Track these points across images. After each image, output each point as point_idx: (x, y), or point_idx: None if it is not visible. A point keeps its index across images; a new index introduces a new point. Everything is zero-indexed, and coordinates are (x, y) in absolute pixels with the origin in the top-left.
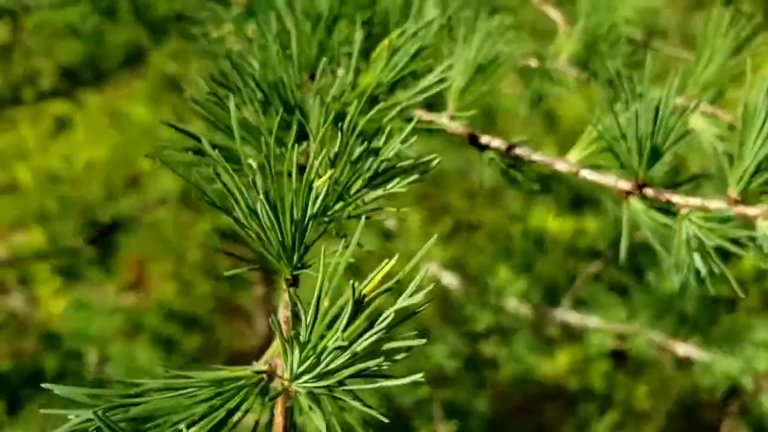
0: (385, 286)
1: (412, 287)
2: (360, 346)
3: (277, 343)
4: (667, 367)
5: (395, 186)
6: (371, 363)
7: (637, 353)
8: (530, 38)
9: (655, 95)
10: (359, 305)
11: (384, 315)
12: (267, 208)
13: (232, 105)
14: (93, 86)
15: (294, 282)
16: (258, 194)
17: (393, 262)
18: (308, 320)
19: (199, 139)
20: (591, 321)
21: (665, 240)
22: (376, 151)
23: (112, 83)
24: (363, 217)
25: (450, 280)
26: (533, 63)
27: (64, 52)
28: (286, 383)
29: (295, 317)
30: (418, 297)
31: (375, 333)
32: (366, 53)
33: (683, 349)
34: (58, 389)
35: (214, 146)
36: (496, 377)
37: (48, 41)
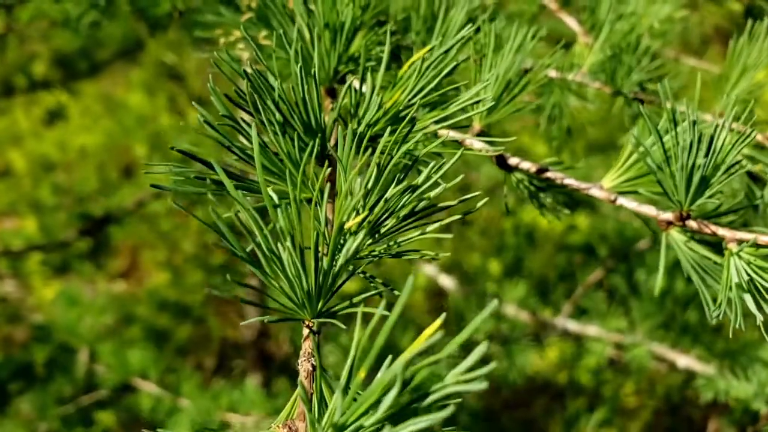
0: (431, 360)
1: (467, 365)
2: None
3: (297, 400)
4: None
5: (436, 229)
6: None
7: (637, 364)
8: (550, 48)
9: (703, 120)
10: (405, 385)
11: (432, 396)
12: (294, 256)
13: (254, 132)
14: (88, 74)
15: (318, 331)
16: (284, 239)
17: (439, 322)
18: (340, 391)
19: (211, 166)
20: (590, 330)
21: (705, 273)
22: (414, 187)
23: (108, 71)
24: (411, 276)
25: (447, 282)
26: (554, 74)
27: (59, 41)
28: None
29: (315, 369)
30: (475, 379)
31: (426, 419)
32: (387, 66)
33: (684, 361)
34: None
35: (230, 175)
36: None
37: (43, 29)
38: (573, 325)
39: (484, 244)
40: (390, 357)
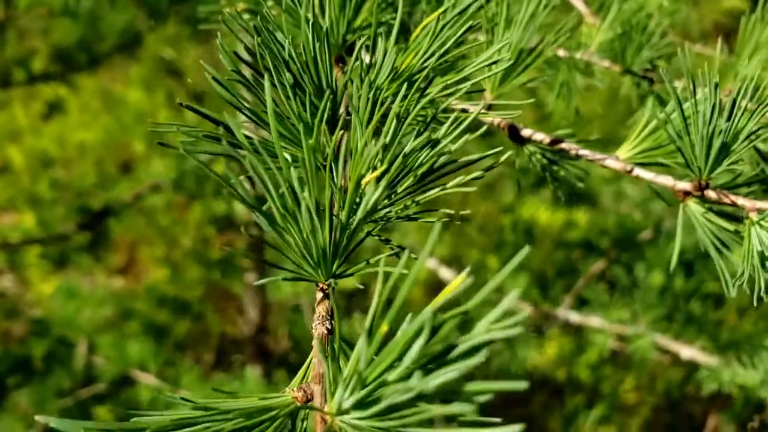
0: (459, 310)
1: (498, 312)
2: (433, 382)
3: (313, 365)
4: (663, 363)
5: (458, 184)
6: (455, 408)
7: (639, 356)
8: (560, 24)
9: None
10: (434, 333)
11: (462, 346)
12: (312, 210)
13: (267, 86)
14: (87, 68)
15: (331, 292)
16: (302, 193)
17: (464, 276)
18: (361, 346)
19: (226, 126)
20: (592, 321)
21: (723, 246)
22: (433, 143)
23: (106, 66)
24: (437, 225)
25: (448, 275)
26: (561, 53)
27: (58, 34)
28: (328, 418)
29: (330, 333)
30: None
31: (455, 368)
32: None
33: (688, 352)
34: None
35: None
36: (485, 367)
37: (43, 22)
38: (575, 317)
39: (482, 241)
40: (410, 314)
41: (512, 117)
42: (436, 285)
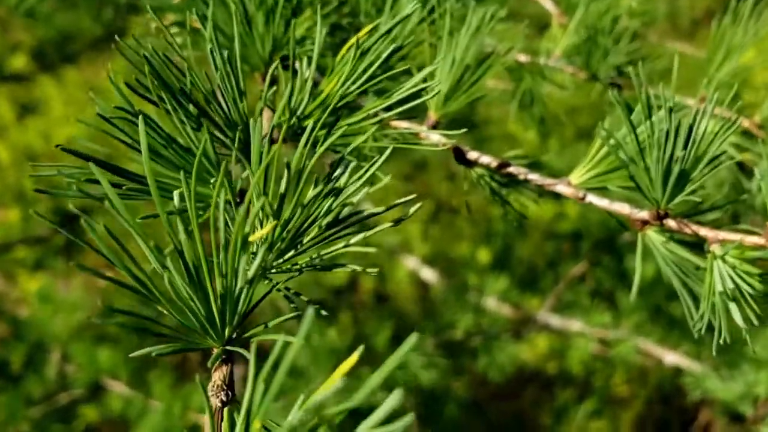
0: (342, 408)
1: (382, 413)
2: None
3: None
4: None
5: (361, 240)
6: None
7: (621, 360)
8: (519, 29)
9: (679, 106)
10: None
11: None
12: (178, 278)
13: (141, 124)
14: (71, 62)
15: (228, 359)
16: (165, 260)
17: (355, 358)
18: None
19: (102, 164)
20: (573, 325)
21: (686, 277)
22: (337, 191)
23: (90, 59)
24: (310, 309)
25: (429, 275)
26: (524, 58)
27: (42, 27)
28: None
29: (225, 404)
30: None
31: None
32: (336, 50)
33: (671, 357)
34: None
35: (130, 175)
36: (474, 363)
37: (25, 19)
38: (555, 320)
39: (472, 232)
40: (302, 397)
41: (456, 139)
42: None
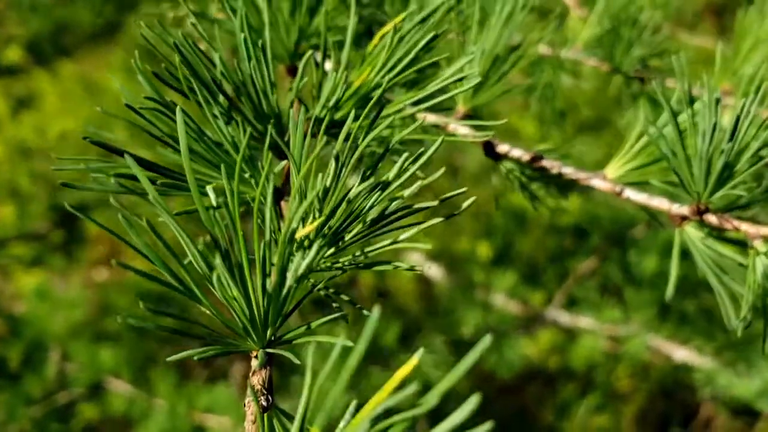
0: (405, 416)
1: (452, 423)
2: None
3: None
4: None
5: (414, 235)
6: None
7: (631, 357)
8: (534, 21)
9: (722, 100)
10: None
11: None
12: (227, 276)
13: (179, 115)
14: (66, 55)
15: (268, 362)
16: (213, 255)
17: (414, 362)
18: None
19: (135, 158)
20: (583, 321)
21: (724, 274)
22: (384, 184)
23: (86, 52)
24: (376, 307)
25: (434, 272)
26: (545, 51)
27: (37, 20)
28: None
29: (267, 409)
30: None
31: None
32: (358, 41)
33: (682, 353)
34: None
35: (161, 170)
36: (480, 359)
37: (20, 11)
38: (565, 317)
39: (473, 228)
40: (354, 403)
41: (487, 133)
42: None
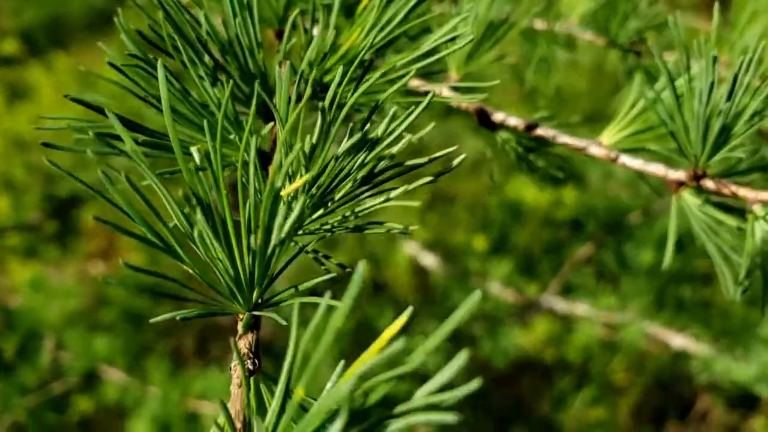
0: (391, 374)
1: (442, 380)
2: None
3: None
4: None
5: (404, 193)
6: None
7: (628, 345)
8: None
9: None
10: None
11: (392, 427)
12: (210, 234)
13: (161, 71)
14: (61, 46)
15: (255, 325)
16: (196, 213)
17: (401, 322)
18: (271, 418)
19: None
20: (579, 308)
21: (722, 241)
22: (372, 142)
23: (82, 44)
24: (361, 263)
25: (430, 261)
26: (539, 25)
27: (32, 11)
28: None
29: (253, 372)
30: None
31: None
32: (350, 11)
33: (679, 341)
34: None
35: (145, 130)
36: (475, 349)
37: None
38: (561, 304)
39: (469, 220)
40: (342, 363)
41: (481, 99)
42: (421, 267)
